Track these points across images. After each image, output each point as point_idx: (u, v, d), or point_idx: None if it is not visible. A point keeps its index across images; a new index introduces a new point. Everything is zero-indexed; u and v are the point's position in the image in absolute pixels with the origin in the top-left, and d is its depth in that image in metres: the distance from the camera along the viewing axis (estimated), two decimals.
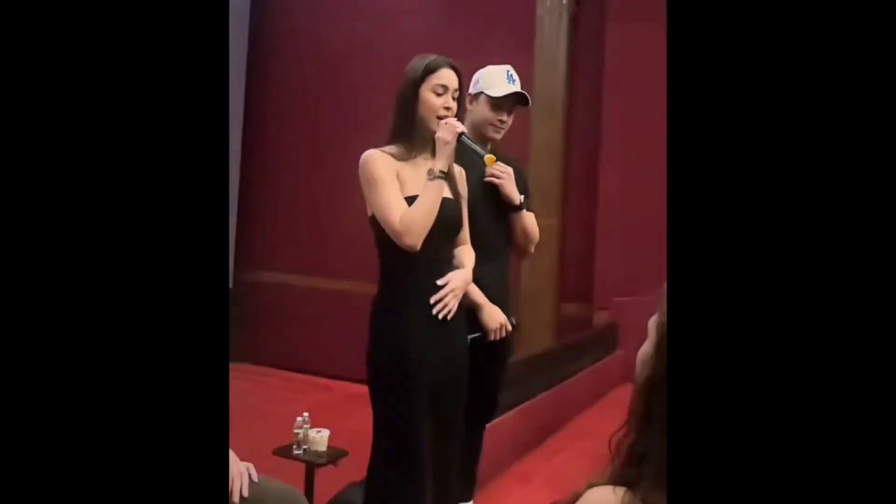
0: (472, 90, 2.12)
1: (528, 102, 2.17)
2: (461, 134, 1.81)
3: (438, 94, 1.81)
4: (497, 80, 2.13)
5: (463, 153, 1.90)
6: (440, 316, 1.78)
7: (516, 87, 2.14)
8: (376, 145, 1.84)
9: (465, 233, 1.95)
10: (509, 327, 2.06)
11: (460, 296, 1.82)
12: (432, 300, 1.77)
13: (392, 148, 1.83)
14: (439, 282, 1.78)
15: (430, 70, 1.81)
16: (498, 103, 2.11)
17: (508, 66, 2.18)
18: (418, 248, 1.73)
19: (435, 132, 1.80)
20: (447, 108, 1.82)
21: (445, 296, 1.78)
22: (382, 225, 1.76)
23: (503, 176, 2.09)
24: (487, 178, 2.09)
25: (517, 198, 2.13)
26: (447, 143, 1.78)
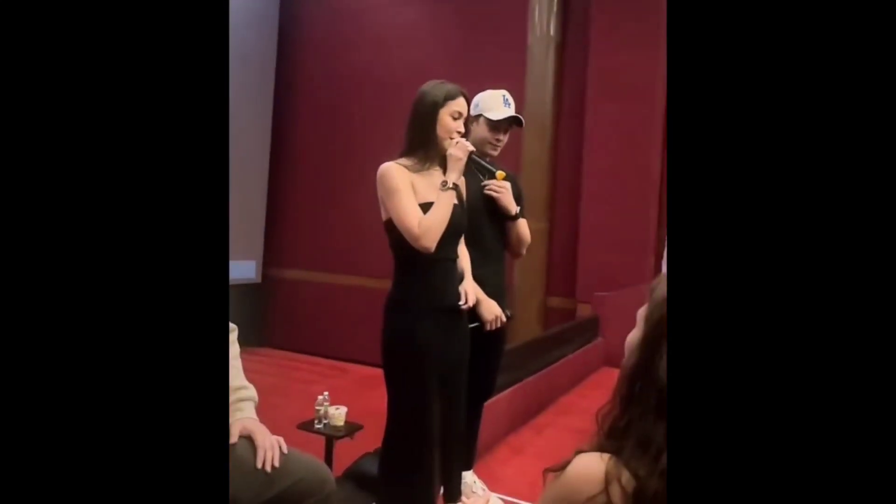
0: (472, 112, 2.12)
1: (522, 124, 2.17)
2: (471, 153, 1.83)
3: (455, 119, 1.83)
4: (495, 103, 2.13)
5: (469, 168, 1.92)
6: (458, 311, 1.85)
7: (512, 111, 2.14)
8: (388, 159, 1.85)
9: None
10: (504, 319, 2.07)
11: (475, 298, 1.92)
12: (463, 304, 1.85)
13: (406, 160, 1.83)
14: (461, 303, 1.85)
15: (449, 97, 1.82)
16: (496, 125, 2.12)
17: (504, 91, 2.18)
18: (433, 250, 1.74)
19: (446, 149, 1.82)
20: (459, 131, 1.84)
21: (468, 305, 1.87)
22: (401, 229, 1.76)
23: (500, 190, 2.10)
24: (487, 192, 2.10)
25: (514, 209, 2.13)
26: (459, 159, 1.80)
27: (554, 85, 4.97)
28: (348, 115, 5.81)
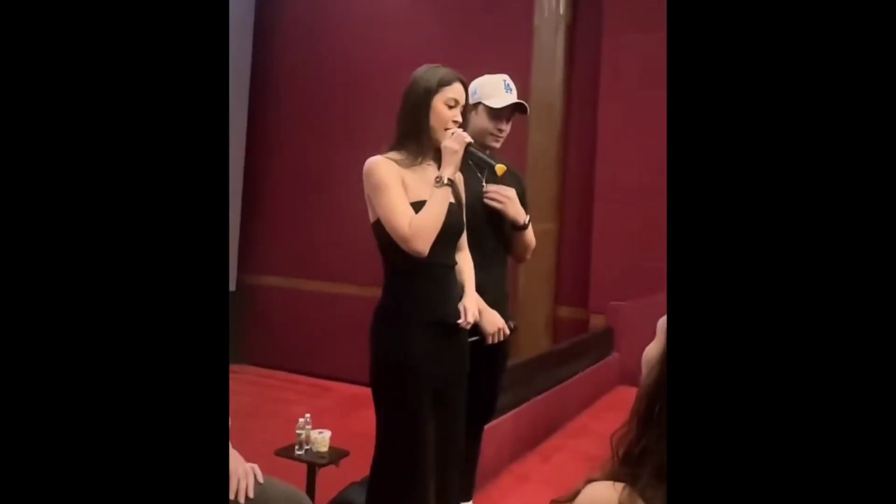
0: (470, 100, 2.12)
1: (526, 111, 2.17)
2: (468, 145, 1.82)
3: (450, 107, 1.83)
4: (495, 90, 2.13)
5: (466, 162, 1.91)
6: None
7: (514, 97, 2.14)
8: (375, 153, 1.85)
9: (464, 237, 1.96)
10: (507, 331, 2.06)
11: (477, 315, 1.88)
12: (462, 324, 1.83)
13: (396, 154, 1.83)
14: (460, 321, 1.83)
15: (444, 83, 1.82)
16: (497, 113, 2.12)
17: (505, 76, 2.18)
18: (426, 253, 1.74)
19: (441, 141, 1.81)
20: (455, 121, 1.84)
21: (468, 322, 1.84)
22: (390, 231, 1.76)
23: (504, 200, 2.09)
24: (487, 201, 2.09)
25: (522, 218, 2.13)
26: (455, 152, 1.79)
27: (564, 70, 4.98)
28: (333, 104, 5.82)
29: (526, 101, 2.19)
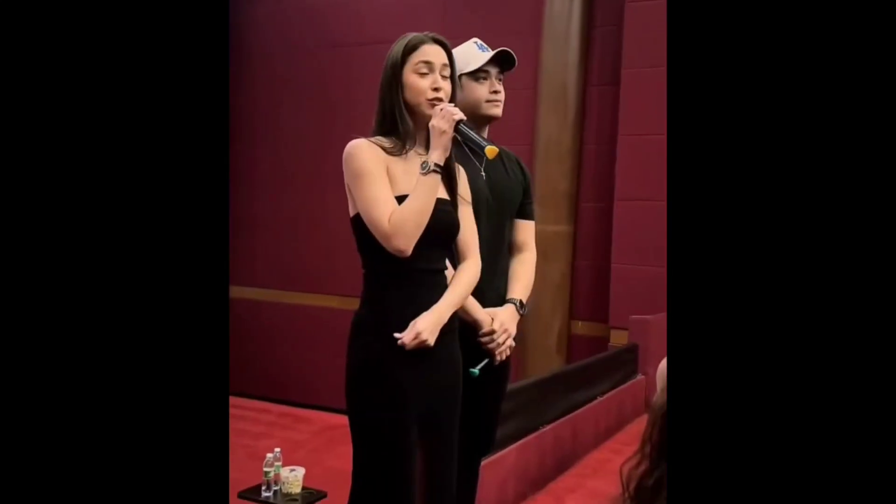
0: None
1: (513, 62, 2.17)
2: (459, 122, 1.79)
3: (423, 74, 1.82)
4: (469, 55, 2.16)
5: (462, 149, 1.90)
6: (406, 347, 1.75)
7: (490, 52, 2.15)
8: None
9: (472, 243, 1.92)
10: (513, 344, 2.07)
11: (428, 339, 1.75)
12: (399, 338, 1.74)
13: (381, 139, 1.83)
14: (399, 336, 1.74)
15: (410, 49, 1.82)
16: (481, 76, 2.13)
17: (475, 38, 2.21)
18: (409, 252, 1.72)
19: (428, 118, 1.80)
20: (436, 89, 1.82)
21: (407, 341, 1.74)
22: (368, 225, 1.75)
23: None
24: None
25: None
26: (443, 132, 1.77)
27: (580, 43, 4.97)
28: (319, 86, 5.82)
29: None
